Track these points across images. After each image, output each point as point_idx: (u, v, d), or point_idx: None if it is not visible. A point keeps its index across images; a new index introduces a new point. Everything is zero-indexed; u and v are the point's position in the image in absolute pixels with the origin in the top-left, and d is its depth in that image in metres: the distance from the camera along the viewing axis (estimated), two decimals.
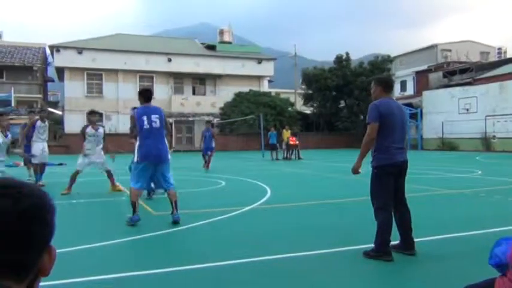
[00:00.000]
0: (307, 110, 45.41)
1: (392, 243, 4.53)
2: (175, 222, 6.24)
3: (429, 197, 9.10)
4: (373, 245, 4.48)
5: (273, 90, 47.59)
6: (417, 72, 46.13)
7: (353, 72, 40.31)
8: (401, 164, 4.64)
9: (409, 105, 38.26)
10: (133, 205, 6.30)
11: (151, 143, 6.27)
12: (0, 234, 0.80)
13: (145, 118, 6.35)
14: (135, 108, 6.93)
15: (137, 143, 6.41)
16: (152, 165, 6.33)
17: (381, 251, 4.39)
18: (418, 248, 4.64)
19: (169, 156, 6.51)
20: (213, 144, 17.96)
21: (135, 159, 6.40)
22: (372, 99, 4.81)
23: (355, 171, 4.69)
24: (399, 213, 4.66)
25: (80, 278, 3.99)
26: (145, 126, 6.29)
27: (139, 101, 6.69)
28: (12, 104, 27.46)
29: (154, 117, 6.38)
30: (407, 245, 4.60)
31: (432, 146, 34.16)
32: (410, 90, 46.65)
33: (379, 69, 40.10)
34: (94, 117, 10.07)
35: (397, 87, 46.82)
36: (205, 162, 17.28)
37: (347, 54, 42.16)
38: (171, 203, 6.43)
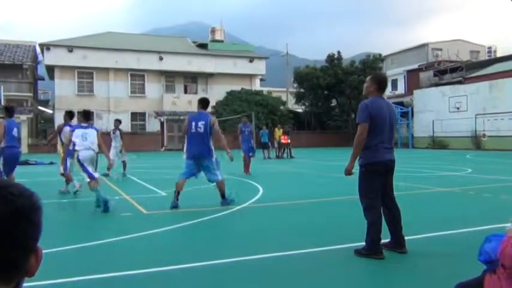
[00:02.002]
0: (299, 109, 45.49)
1: (383, 241, 4.56)
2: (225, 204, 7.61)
3: (420, 195, 9.17)
4: (364, 243, 4.50)
5: (265, 89, 47.59)
6: (408, 71, 46.41)
7: (344, 71, 40.45)
8: (389, 163, 4.66)
9: (400, 103, 38.48)
10: (178, 193, 7.61)
11: (194, 144, 7.66)
12: None
13: (193, 124, 7.66)
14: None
15: (185, 144, 7.84)
16: (196, 161, 7.71)
17: (372, 249, 4.41)
18: (408, 246, 4.67)
19: (213, 155, 7.73)
20: (253, 143, 14.99)
21: (184, 157, 7.80)
22: (363, 96, 4.82)
23: (348, 172, 4.68)
24: (389, 212, 4.69)
25: (69, 278, 3.97)
26: (192, 130, 7.66)
27: (197, 107, 8.04)
28: (2, 103, 27.18)
29: (200, 123, 7.63)
30: (398, 243, 4.63)
31: (423, 145, 34.38)
32: (401, 89, 46.91)
33: (370, 68, 40.26)
34: (117, 123, 13.33)
35: (388, 86, 47.02)
36: (245, 164, 14.26)
37: (339, 53, 42.28)
38: (220, 192, 7.77)
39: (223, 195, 7.81)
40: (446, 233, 5.57)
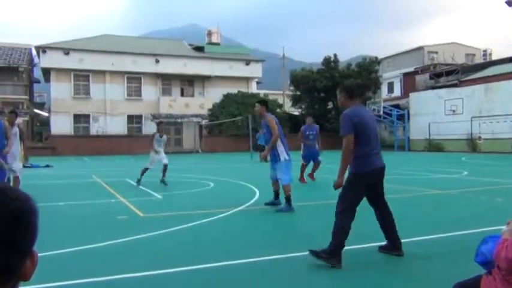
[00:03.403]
0: (296, 112, 45.52)
1: (381, 244, 4.55)
2: (277, 211, 7.42)
3: (416, 197, 9.19)
4: (327, 246, 4.37)
5: (261, 92, 47.63)
6: (404, 74, 46.56)
7: (341, 73, 40.51)
8: (379, 170, 4.63)
9: (397, 106, 38.59)
10: (290, 198, 7.45)
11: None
12: None
13: (264, 130, 7.91)
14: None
15: (283, 145, 7.64)
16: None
17: (334, 254, 4.27)
18: (405, 248, 4.68)
19: (281, 158, 7.53)
20: (318, 147, 12.61)
21: (287, 157, 7.58)
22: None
23: (338, 187, 4.60)
24: (382, 216, 4.68)
25: (65, 281, 3.95)
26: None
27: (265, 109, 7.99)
28: None
29: (264, 130, 7.90)
30: (395, 246, 4.62)
31: (419, 147, 34.47)
32: (397, 91, 47.04)
33: (366, 71, 40.38)
34: (161, 126, 12.70)
35: (384, 88, 47.18)
36: (302, 172, 12.03)
37: (335, 55, 42.36)
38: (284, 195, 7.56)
39: (286, 200, 7.51)
40: (442, 235, 5.59)
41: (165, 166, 11.75)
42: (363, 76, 39.95)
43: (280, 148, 7.58)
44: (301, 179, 11.71)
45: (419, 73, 43.99)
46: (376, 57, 43.56)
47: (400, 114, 37.27)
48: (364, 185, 4.50)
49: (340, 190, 4.60)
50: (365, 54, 47.97)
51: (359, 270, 4.27)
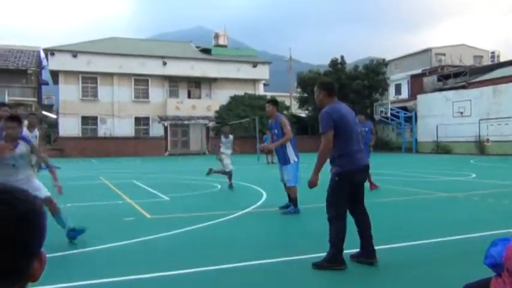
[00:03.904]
0: (303, 114, 45.48)
1: (351, 252, 4.45)
2: (285, 213, 7.45)
3: (423, 200, 9.14)
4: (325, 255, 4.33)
5: (268, 94, 47.51)
6: (412, 76, 46.35)
7: (348, 75, 40.42)
8: (363, 168, 4.51)
9: (404, 108, 38.42)
10: (296, 199, 7.52)
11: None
12: None
13: (275, 131, 7.83)
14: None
15: (292, 147, 7.62)
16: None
17: (334, 261, 4.24)
18: (413, 252, 4.63)
19: (290, 160, 7.51)
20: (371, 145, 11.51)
21: (296, 159, 7.56)
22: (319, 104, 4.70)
23: (313, 185, 4.51)
24: (360, 221, 4.49)
25: (72, 282, 3.97)
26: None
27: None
28: None
29: (275, 130, 7.83)
30: (368, 253, 4.41)
31: (427, 149, 34.29)
32: (405, 93, 46.84)
33: (374, 73, 40.25)
34: (226, 128, 12.64)
35: (391, 90, 47.01)
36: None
37: (342, 57, 42.29)
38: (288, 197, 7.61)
39: (291, 200, 7.60)
40: (450, 238, 5.55)
41: (229, 173, 11.45)
42: (370, 78, 39.84)
43: (290, 150, 7.57)
44: (371, 185, 10.30)
45: (427, 75, 43.78)
46: (384, 59, 43.42)
47: (408, 116, 37.10)
48: (348, 184, 4.35)
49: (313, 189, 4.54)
50: (372, 56, 47.85)
51: (366, 273, 4.24)
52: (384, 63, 42.54)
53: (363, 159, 4.52)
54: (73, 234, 5.15)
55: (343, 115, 4.43)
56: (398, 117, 37.08)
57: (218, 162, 11.79)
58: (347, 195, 4.38)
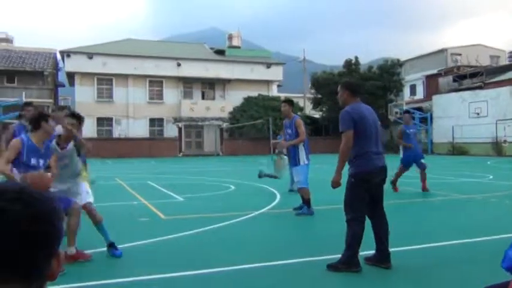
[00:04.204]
0: (317, 115, 45.34)
1: (366, 255, 4.41)
2: (298, 214, 7.41)
3: (440, 202, 9.04)
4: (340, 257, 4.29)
5: (282, 95, 47.45)
6: (427, 76, 45.89)
7: (362, 76, 40.20)
8: (380, 169, 4.45)
9: (419, 109, 38.07)
10: (309, 201, 7.51)
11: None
12: (12, 237, 0.82)
13: (289, 131, 7.73)
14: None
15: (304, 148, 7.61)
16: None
17: (349, 263, 4.21)
18: (431, 254, 4.58)
19: (301, 161, 7.51)
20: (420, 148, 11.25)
21: (306, 161, 7.55)
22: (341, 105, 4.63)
23: (336, 184, 4.50)
24: (376, 224, 4.44)
25: (86, 282, 4.01)
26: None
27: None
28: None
29: (288, 130, 7.78)
30: (383, 258, 4.37)
31: (442, 151, 33.92)
32: (420, 94, 46.41)
33: (388, 73, 39.96)
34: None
35: (406, 91, 46.62)
36: (397, 178, 10.47)
37: (356, 58, 42.08)
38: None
39: (304, 201, 7.57)
40: (468, 240, 5.48)
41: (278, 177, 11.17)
42: (385, 78, 39.56)
43: (302, 151, 7.58)
44: (394, 187, 10.21)
45: (442, 75, 43.30)
46: (398, 60, 43.09)
47: (423, 117, 36.74)
48: (365, 185, 4.33)
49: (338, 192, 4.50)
50: (387, 57, 47.49)
51: (381, 275, 4.21)
52: (398, 64, 42.21)
53: (380, 161, 4.45)
54: (112, 252, 4.89)
55: (364, 116, 4.41)
56: (413, 118, 36.67)
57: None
58: (366, 198, 4.34)
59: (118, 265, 4.63)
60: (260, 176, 11.59)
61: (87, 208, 4.94)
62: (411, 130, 10.69)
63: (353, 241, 4.24)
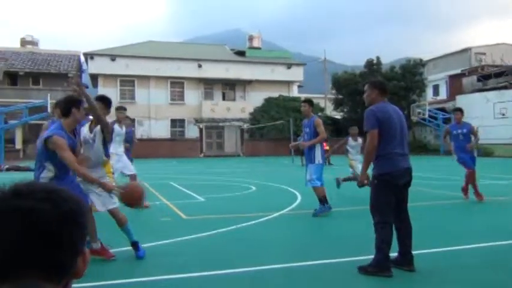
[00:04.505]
0: (338, 115, 45.05)
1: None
2: (315, 215, 7.37)
3: (463, 204, 8.88)
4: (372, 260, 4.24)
5: (303, 95, 47.30)
6: (450, 76, 45.11)
7: (384, 76, 39.72)
8: (405, 171, 4.36)
9: (442, 109, 37.47)
10: (325, 198, 7.54)
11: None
12: (40, 236, 0.84)
13: (307, 130, 7.85)
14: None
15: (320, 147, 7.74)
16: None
17: (380, 267, 4.15)
18: (452, 257, 4.52)
19: (316, 160, 7.61)
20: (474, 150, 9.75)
21: (321, 161, 7.69)
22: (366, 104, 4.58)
23: (362, 183, 4.48)
24: (400, 226, 4.36)
25: (109, 281, 4.07)
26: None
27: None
28: (48, 110, 28.28)
29: (306, 129, 7.85)
30: (406, 260, 4.31)
31: None
32: (443, 94, 45.67)
33: (410, 74, 39.42)
34: (354, 130, 11.28)
35: (429, 91, 45.92)
36: (471, 183, 9.16)
37: (378, 58, 41.64)
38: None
39: (320, 200, 7.57)
40: (493, 244, 5.36)
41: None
42: (407, 78, 39.04)
43: (318, 150, 7.67)
44: (477, 195, 8.99)
45: (466, 75, 42.51)
46: (421, 59, 42.46)
47: (446, 118, 36.09)
48: (389, 186, 4.26)
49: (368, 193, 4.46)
50: (409, 56, 46.88)
51: (409, 278, 4.17)
52: (421, 64, 41.60)
53: (404, 162, 4.37)
54: (135, 252, 4.86)
55: (389, 115, 4.35)
56: (436, 118, 36.19)
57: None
58: (392, 200, 4.27)
59: (139, 265, 4.69)
60: (339, 184, 10.73)
61: (112, 211, 4.87)
62: (460, 131, 9.24)
63: (382, 244, 4.18)
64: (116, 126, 8.23)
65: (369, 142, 4.32)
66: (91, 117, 4.93)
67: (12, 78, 36.17)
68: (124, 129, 8.69)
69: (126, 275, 4.26)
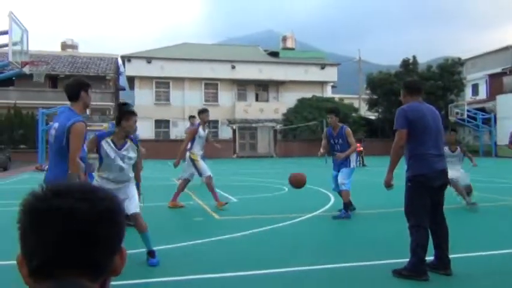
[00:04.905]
0: (372, 116, 44.38)
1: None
2: (335, 218, 7.33)
3: (503, 207, 8.59)
4: (407, 263, 4.15)
5: (337, 96, 46.98)
6: (490, 75, 43.67)
7: (421, 76, 38.86)
8: (440, 172, 4.24)
9: (482, 110, 36.35)
10: (350, 203, 7.60)
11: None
12: (79, 235, 0.86)
13: (339, 141, 7.79)
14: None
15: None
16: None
17: (415, 271, 4.05)
18: (490, 261, 4.38)
19: (351, 164, 7.73)
20: None
21: (355, 165, 7.89)
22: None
23: (388, 184, 4.41)
24: (436, 229, 4.24)
25: (143, 279, 4.15)
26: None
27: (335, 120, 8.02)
28: (87, 112, 29.17)
29: (338, 140, 7.81)
30: (442, 264, 4.20)
31: (507, 153, 32.02)
32: (482, 94, 44.27)
33: (448, 73, 38.44)
34: (452, 137, 9.31)
35: (468, 91, 44.62)
36: None
37: (414, 57, 40.80)
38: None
39: (344, 206, 7.56)
40: None
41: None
42: (445, 78, 38.07)
43: (353, 155, 7.85)
44: None
45: (507, 74, 41.07)
46: (459, 58, 41.33)
47: (486, 118, 35.02)
48: (424, 189, 4.15)
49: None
50: (447, 55, 45.70)
51: (445, 283, 4.07)
52: (459, 63, 40.50)
53: (439, 163, 4.26)
54: (148, 260, 4.68)
55: (422, 115, 4.25)
56: (475, 119, 35.12)
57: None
58: (427, 203, 4.16)
59: (173, 264, 4.75)
60: (472, 206, 8.20)
61: (134, 216, 4.80)
62: None
63: (417, 248, 4.09)
64: (200, 129, 8.81)
65: (396, 142, 4.28)
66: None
67: (53, 81, 37.42)
68: (206, 131, 9.09)
69: (159, 274, 4.33)
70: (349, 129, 7.89)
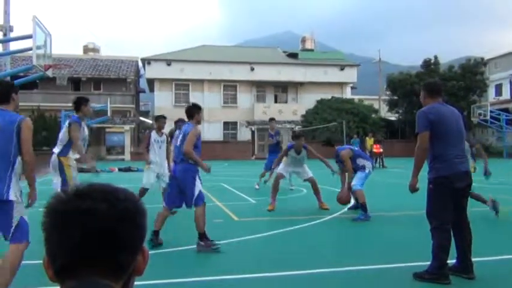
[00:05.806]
0: (392, 117, 43.92)
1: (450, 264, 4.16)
2: (355, 220, 7.31)
3: None
4: (428, 267, 4.08)
5: (356, 97, 46.59)
6: None
7: (442, 76, 38.31)
8: (463, 174, 4.16)
9: (506, 110, 35.66)
10: (365, 204, 7.51)
11: None
12: (99, 235, 0.88)
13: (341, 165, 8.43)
14: None
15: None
16: None
17: (437, 274, 3.99)
18: (495, 267, 4.28)
19: (367, 169, 7.89)
20: None
21: (371, 170, 8.07)
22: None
23: (413, 188, 4.33)
24: (459, 233, 4.17)
25: (163, 280, 4.18)
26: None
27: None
28: (109, 114, 29.46)
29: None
30: (465, 268, 4.13)
31: None
32: (506, 94, 43.38)
33: (471, 73, 37.82)
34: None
35: (491, 91, 43.80)
36: None
37: (435, 57, 40.25)
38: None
39: (361, 206, 7.60)
40: None
41: None
42: (467, 78, 37.45)
43: (365, 162, 8.06)
44: None
45: None
46: (482, 58, 40.66)
47: (510, 119, 34.31)
48: (446, 191, 4.08)
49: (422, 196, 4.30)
50: (469, 55, 44.95)
51: (467, 286, 4.01)
52: (482, 63, 39.84)
53: (462, 165, 4.19)
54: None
55: (443, 116, 4.19)
56: (499, 119, 34.46)
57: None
58: (450, 206, 4.10)
59: (192, 265, 4.79)
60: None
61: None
62: None
63: (439, 251, 4.03)
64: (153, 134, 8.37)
65: (418, 145, 4.21)
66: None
67: (76, 83, 38.06)
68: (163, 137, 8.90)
69: (180, 274, 4.36)
70: (344, 152, 8.21)
